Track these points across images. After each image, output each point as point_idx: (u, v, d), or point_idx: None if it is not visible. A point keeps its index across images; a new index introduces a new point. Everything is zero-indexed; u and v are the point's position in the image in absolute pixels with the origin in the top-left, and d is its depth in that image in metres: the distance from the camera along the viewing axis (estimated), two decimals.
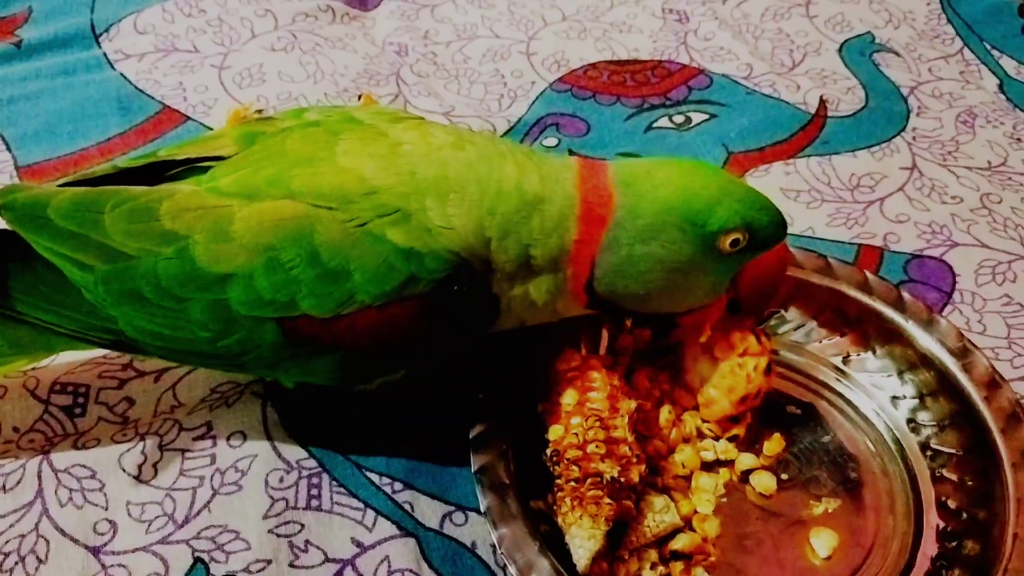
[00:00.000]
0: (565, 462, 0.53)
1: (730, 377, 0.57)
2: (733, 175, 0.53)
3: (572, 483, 0.52)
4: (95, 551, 0.53)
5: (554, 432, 0.55)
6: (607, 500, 0.51)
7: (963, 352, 0.59)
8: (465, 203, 0.49)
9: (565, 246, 0.50)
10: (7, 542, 0.53)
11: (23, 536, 0.53)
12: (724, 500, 0.57)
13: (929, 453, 0.58)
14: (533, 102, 0.86)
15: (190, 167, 0.52)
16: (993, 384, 0.57)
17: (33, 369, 0.61)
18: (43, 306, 0.51)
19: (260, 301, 0.48)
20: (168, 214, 0.49)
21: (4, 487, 0.55)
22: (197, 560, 0.53)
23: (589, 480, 0.52)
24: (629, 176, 0.51)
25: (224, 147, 0.53)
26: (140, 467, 0.56)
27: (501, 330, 0.54)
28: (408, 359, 0.53)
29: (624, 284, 0.51)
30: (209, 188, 0.50)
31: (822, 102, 0.85)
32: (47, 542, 0.53)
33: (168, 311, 0.49)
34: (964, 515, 0.55)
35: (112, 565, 0.52)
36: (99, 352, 0.62)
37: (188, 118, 0.81)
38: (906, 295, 0.61)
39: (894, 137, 0.82)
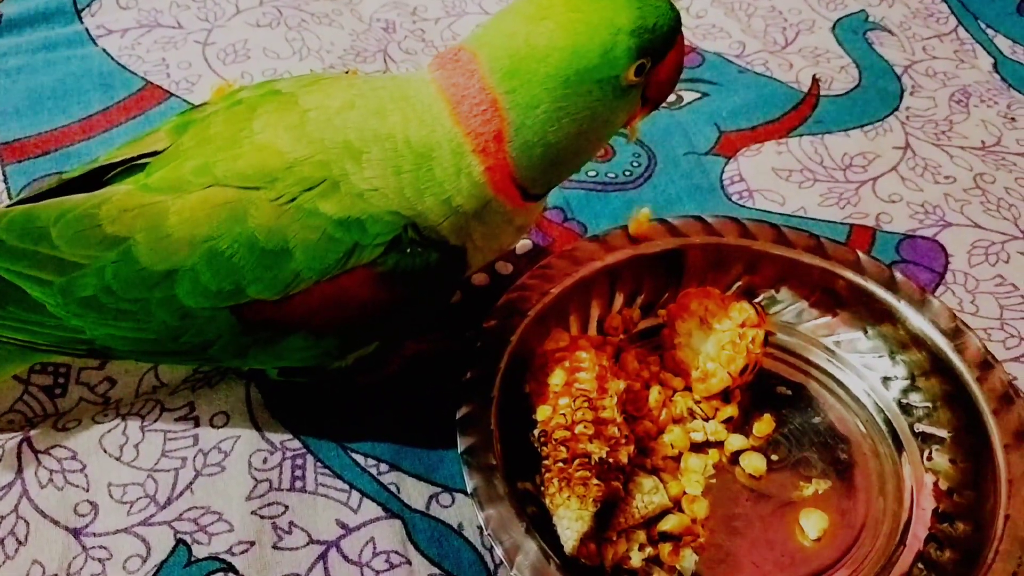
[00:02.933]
0: (553, 442, 0.53)
1: (730, 348, 0.57)
2: None
3: (560, 464, 0.52)
4: (76, 532, 0.52)
5: (542, 413, 0.55)
6: (595, 481, 0.51)
7: (955, 333, 0.58)
8: (375, 165, 0.47)
9: (477, 180, 0.48)
10: None
11: (3, 517, 0.53)
12: (713, 481, 0.56)
13: (920, 434, 0.58)
14: None
15: (128, 167, 0.51)
16: (985, 365, 0.57)
17: None
18: (14, 325, 0.51)
19: (208, 292, 0.47)
20: (107, 218, 0.48)
21: None
22: (179, 542, 0.52)
23: (577, 461, 0.51)
24: (507, 64, 0.47)
25: (158, 141, 0.51)
26: (122, 448, 0.56)
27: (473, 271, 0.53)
28: (373, 330, 0.52)
29: (551, 167, 0.50)
30: (142, 186, 0.49)
31: (815, 81, 0.85)
32: (27, 523, 0.52)
33: (126, 313, 0.48)
34: (955, 496, 0.54)
35: (93, 547, 0.52)
36: None
37: (171, 94, 0.80)
38: (898, 275, 0.61)
39: (887, 116, 0.81)
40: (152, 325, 0.49)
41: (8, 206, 0.52)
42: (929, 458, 0.57)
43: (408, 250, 0.48)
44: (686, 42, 0.87)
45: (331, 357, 0.53)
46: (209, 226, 0.47)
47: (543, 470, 0.53)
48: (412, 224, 0.48)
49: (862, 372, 0.61)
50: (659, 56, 0.48)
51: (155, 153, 0.51)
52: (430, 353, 0.61)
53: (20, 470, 0.55)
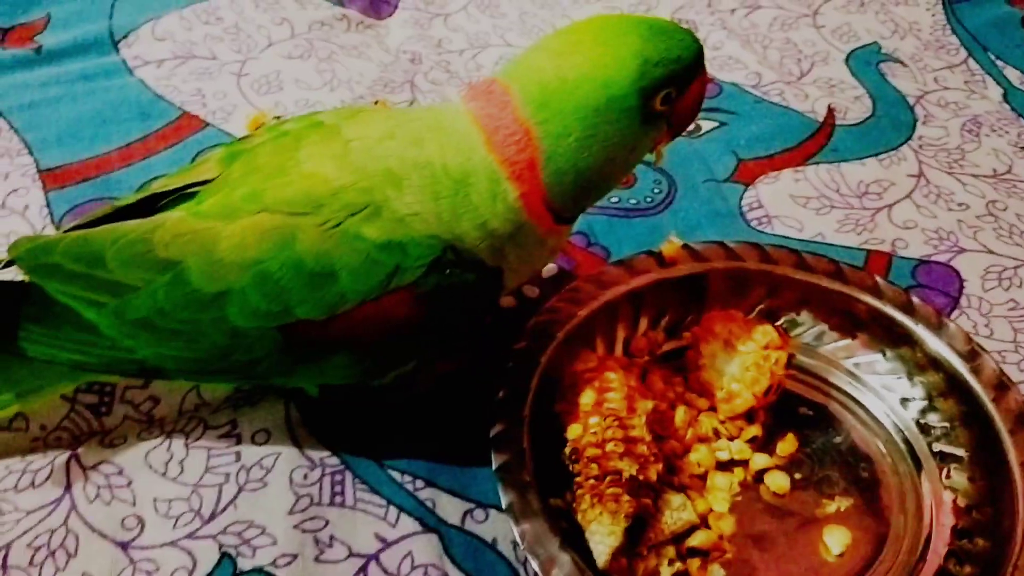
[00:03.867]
0: (584, 460, 0.54)
1: (754, 370, 0.59)
2: (629, 19, 0.51)
3: (591, 480, 0.53)
4: (124, 546, 0.54)
5: (573, 431, 0.56)
6: (626, 497, 0.52)
7: (971, 355, 0.60)
8: (415, 191, 0.50)
9: (512, 204, 0.51)
10: (37, 536, 0.54)
11: (52, 531, 0.54)
12: (739, 499, 0.58)
13: (939, 453, 0.59)
14: None
15: (180, 195, 0.54)
16: (1001, 386, 0.58)
17: None
18: (68, 346, 0.53)
19: (257, 313, 0.49)
20: (161, 243, 0.50)
21: (33, 483, 0.57)
22: (224, 555, 0.54)
23: (608, 478, 0.53)
24: (538, 95, 0.49)
25: (208, 171, 0.54)
26: (166, 464, 0.58)
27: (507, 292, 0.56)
28: (413, 348, 0.54)
29: (582, 192, 0.52)
30: (194, 213, 0.51)
31: (830, 110, 0.87)
32: (76, 537, 0.54)
33: (177, 334, 0.51)
34: (973, 513, 0.56)
35: (141, 559, 0.54)
36: None
37: (207, 124, 0.82)
38: (915, 299, 0.63)
39: (901, 145, 0.84)
40: (203, 344, 0.51)
41: (65, 231, 0.54)
42: (948, 476, 0.58)
43: (447, 271, 0.50)
44: None
45: (372, 375, 0.55)
46: (259, 250, 0.49)
47: (575, 487, 0.54)
48: (451, 247, 0.50)
49: (881, 393, 0.63)
50: (684, 86, 0.51)
51: (205, 182, 0.54)
52: (461, 372, 0.63)
53: (69, 486, 0.57)
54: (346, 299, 0.49)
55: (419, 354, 0.55)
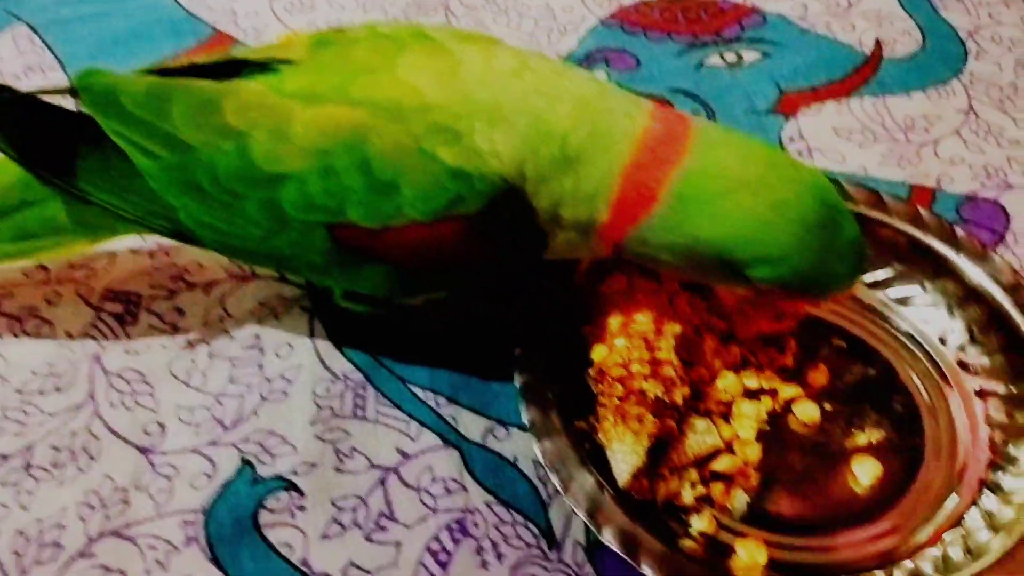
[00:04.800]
0: (608, 380, 0.53)
1: None
2: (835, 214, 0.47)
3: (615, 401, 0.52)
4: (145, 451, 0.54)
5: (598, 352, 0.55)
6: (650, 418, 0.51)
7: (1016, 288, 0.58)
8: (512, 135, 0.47)
9: (593, 221, 0.49)
10: (60, 438, 0.54)
11: (75, 434, 0.55)
12: (766, 428, 0.56)
13: (977, 389, 0.58)
14: (583, 37, 0.85)
15: (262, 68, 0.52)
16: None
17: (85, 278, 0.62)
18: (111, 189, 0.52)
19: (311, 205, 0.48)
20: (231, 109, 0.49)
21: (57, 387, 0.57)
22: (244, 462, 0.54)
23: (632, 398, 0.52)
24: (693, 181, 0.46)
25: (294, 52, 0.52)
26: (189, 373, 0.58)
27: (547, 260, 0.54)
28: (453, 278, 0.53)
29: (646, 259, 0.51)
30: (274, 88, 0.50)
31: (878, 43, 0.84)
32: (98, 440, 0.54)
33: (224, 205, 0.50)
34: (1009, 448, 0.54)
35: (162, 464, 0.54)
36: (149, 262, 0.64)
37: (238, 43, 0.81)
38: (958, 230, 0.61)
39: (950, 80, 0.81)
40: (246, 224, 0.50)
41: (137, 73, 0.53)
42: (985, 412, 0.56)
43: (504, 216, 0.48)
44: (748, 2, 0.88)
45: (402, 294, 0.54)
46: (330, 141, 0.47)
47: (598, 407, 0.53)
48: (516, 190, 0.48)
49: (919, 326, 0.61)
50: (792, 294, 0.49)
51: (289, 61, 0.52)
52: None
53: (92, 391, 0.57)
54: (402, 214, 0.48)
55: (455, 285, 0.54)
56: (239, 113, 0.49)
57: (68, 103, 0.53)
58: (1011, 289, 0.58)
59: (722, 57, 0.83)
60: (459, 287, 0.54)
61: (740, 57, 0.83)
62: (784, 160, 0.48)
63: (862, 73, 0.81)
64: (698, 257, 0.48)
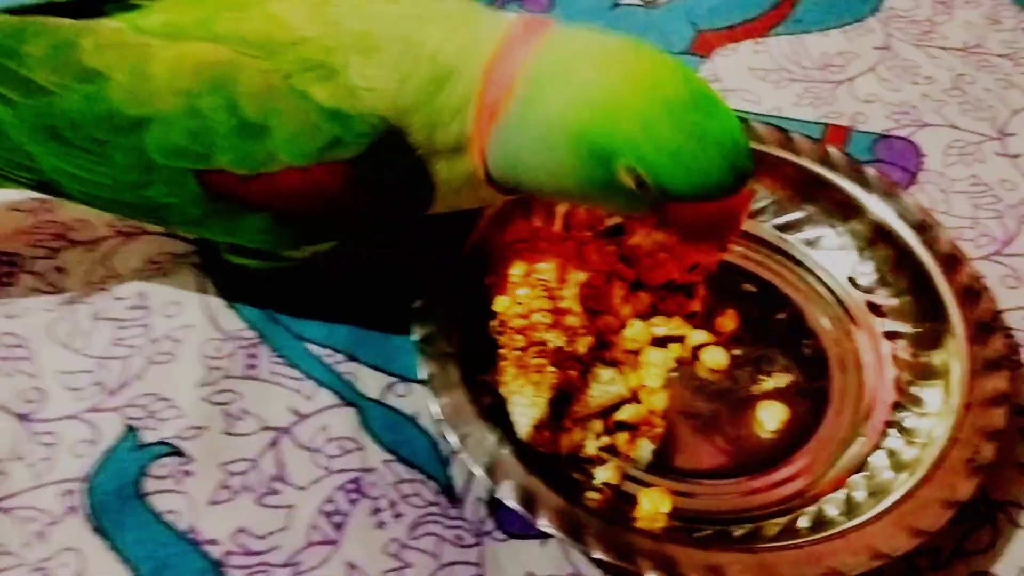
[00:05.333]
0: (510, 331, 0.52)
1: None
2: (702, 98, 0.42)
3: (516, 352, 0.51)
4: (23, 418, 0.51)
5: (500, 303, 0.53)
6: (551, 368, 0.50)
7: (924, 227, 0.57)
8: (385, 65, 0.44)
9: (462, 137, 0.45)
10: None
11: None
12: (674, 375, 0.55)
13: (886, 331, 0.57)
14: None
15: (123, 5, 0.49)
16: (953, 260, 0.56)
17: None
18: None
19: (177, 149, 0.45)
20: (89, 50, 0.46)
21: None
22: (128, 427, 0.51)
23: (533, 348, 0.50)
24: (547, 65, 0.43)
25: None
26: (71, 336, 0.55)
27: (437, 213, 0.51)
28: (335, 229, 0.50)
29: (522, 185, 0.47)
30: (134, 26, 0.47)
31: None
32: None
33: (87, 153, 0.47)
34: (913, 388, 0.54)
35: (41, 432, 0.51)
36: (31, 220, 0.60)
37: None
38: (868, 170, 0.60)
39: (868, 17, 0.79)
40: (112, 172, 0.47)
41: None
42: (893, 353, 0.56)
43: (387, 158, 0.45)
44: None
45: (286, 246, 0.52)
46: (194, 80, 0.45)
47: (499, 359, 0.52)
48: (396, 133, 0.45)
49: (830, 269, 0.60)
50: (668, 196, 0.43)
51: None
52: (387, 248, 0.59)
53: None
54: (274, 159, 0.45)
55: (338, 236, 0.51)
56: (97, 53, 0.46)
57: None
58: (920, 228, 0.57)
59: None
60: (345, 237, 0.51)
61: None
62: (648, 48, 0.44)
63: (780, 11, 0.79)
64: (558, 152, 0.44)
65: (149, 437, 0.51)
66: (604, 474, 0.51)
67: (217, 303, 0.56)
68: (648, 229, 0.57)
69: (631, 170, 0.42)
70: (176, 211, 0.48)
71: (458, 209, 0.52)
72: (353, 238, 0.51)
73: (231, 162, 0.45)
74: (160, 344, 0.54)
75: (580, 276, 0.54)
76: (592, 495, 0.50)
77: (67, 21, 0.47)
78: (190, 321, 0.55)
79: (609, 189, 0.44)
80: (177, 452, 0.50)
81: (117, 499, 0.49)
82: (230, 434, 0.51)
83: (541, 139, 0.44)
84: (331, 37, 0.45)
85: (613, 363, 0.55)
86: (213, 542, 0.48)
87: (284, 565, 0.47)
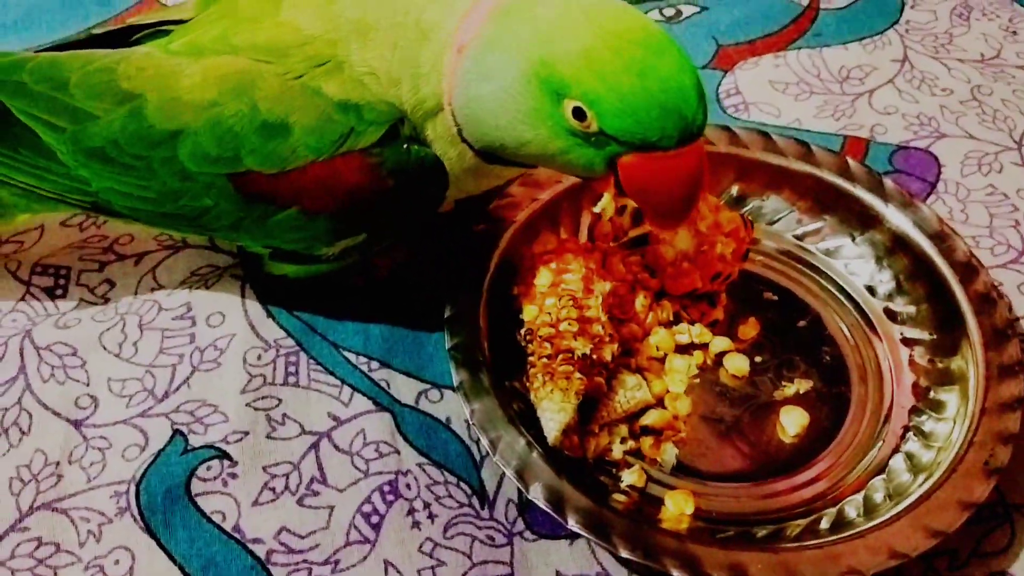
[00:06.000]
0: (538, 340, 0.54)
1: (710, 252, 0.57)
2: (656, 40, 0.43)
3: (544, 359, 0.53)
4: (77, 424, 0.54)
5: (528, 312, 0.56)
6: (578, 375, 0.52)
7: (941, 236, 0.59)
8: (379, 42, 0.48)
9: (439, 90, 0.48)
10: None
11: (6, 409, 0.54)
12: (697, 381, 0.57)
13: (903, 337, 0.58)
14: None
15: (154, 31, 0.53)
16: (970, 268, 0.57)
17: (15, 252, 0.62)
18: (24, 169, 0.52)
19: (208, 157, 0.49)
20: (125, 74, 0.50)
21: None
22: (176, 432, 0.53)
23: (561, 356, 0.52)
24: (513, 5, 0.45)
25: (186, 11, 0.53)
26: (120, 345, 0.57)
27: (456, 200, 0.54)
28: (361, 219, 0.52)
29: (480, 132, 0.48)
30: (164, 49, 0.51)
31: None
32: (30, 415, 0.54)
33: (130, 169, 0.50)
34: (932, 394, 0.55)
35: (93, 437, 0.53)
36: (79, 235, 0.63)
37: (164, 6, 0.80)
38: (887, 181, 0.61)
39: (887, 30, 0.81)
40: (154, 185, 0.51)
41: (36, 51, 0.54)
42: (910, 359, 0.57)
43: (404, 146, 0.49)
44: None
45: (319, 241, 0.54)
46: (217, 91, 0.48)
47: (528, 367, 0.54)
48: (405, 117, 0.48)
49: (848, 278, 0.61)
50: (618, 139, 0.44)
51: (181, 21, 0.53)
52: (419, 258, 0.62)
53: (23, 365, 0.56)
54: (297, 155, 0.48)
55: (367, 226, 0.53)
56: (132, 77, 0.50)
57: None
58: (937, 238, 0.59)
59: (660, 12, 0.82)
60: (372, 228, 0.53)
61: (679, 12, 0.82)
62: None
63: (799, 25, 0.81)
64: (513, 91, 0.45)
65: (196, 441, 0.53)
66: (630, 477, 0.53)
67: (258, 313, 0.59)
68: (670, 237, 0.59)
69: (577, 109, 0.43)
70: (214, 217, 0.51)
71: (469, 193, 0.55)
72: (380, 228, 0.53)
73: (257, 163, 0.48)
74: (205, 353, 0.57)
75: (605, 286, 0.56)
76: (618, 497, 0.52)
77: (105, 52, 0.52)
78: (233, 330, 0.58)
79: (562, 137, 0.45)
80: (222, 455, 0.53)
81: (166, 500, 0.51)
82: (272, 438, 0.53)
83: (499, 77, 0.45)
84: (334, 31, 0.48)
85: (638, 370, 0.57)
86: (258, 541, 0.50)
87: (324, 563, 0.49)
